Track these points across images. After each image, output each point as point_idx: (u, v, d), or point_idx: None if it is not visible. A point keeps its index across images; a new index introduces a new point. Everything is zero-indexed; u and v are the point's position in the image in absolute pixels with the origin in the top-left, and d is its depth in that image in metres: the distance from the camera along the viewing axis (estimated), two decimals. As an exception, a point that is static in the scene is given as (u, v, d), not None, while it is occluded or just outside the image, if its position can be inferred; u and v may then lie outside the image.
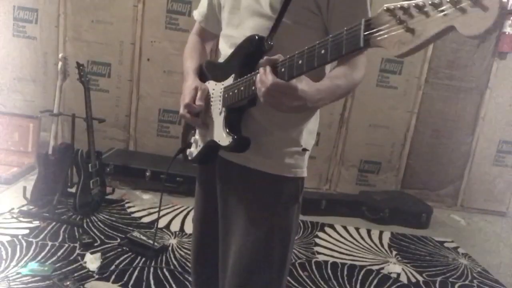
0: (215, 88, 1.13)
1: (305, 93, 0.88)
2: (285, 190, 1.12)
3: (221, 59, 1.18)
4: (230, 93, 1.05)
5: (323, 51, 0.79)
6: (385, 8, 0.65)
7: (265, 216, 1.11)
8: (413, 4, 0.61)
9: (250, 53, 1.03)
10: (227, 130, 1.05)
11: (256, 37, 1.01)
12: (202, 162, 1.23)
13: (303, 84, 0.88)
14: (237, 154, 1.08)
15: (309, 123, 1.14)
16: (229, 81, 1.07)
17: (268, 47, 1.00)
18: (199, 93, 1.13)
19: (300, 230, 3.02)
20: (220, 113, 1.09)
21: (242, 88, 1.00)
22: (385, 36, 0.65)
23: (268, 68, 0.89)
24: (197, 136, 1.21)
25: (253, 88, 0.95)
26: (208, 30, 1.32)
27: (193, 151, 1.22)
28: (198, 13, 1.31)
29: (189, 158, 1.24)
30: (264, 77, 0.89)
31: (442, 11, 0.58)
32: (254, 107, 1.04)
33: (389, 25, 0.65)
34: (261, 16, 1.06)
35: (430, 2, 0.59)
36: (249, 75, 0.98)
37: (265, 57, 0.91)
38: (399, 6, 0.63)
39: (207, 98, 1.14)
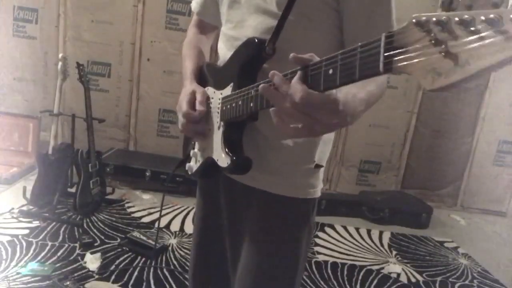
0: (214, 97, 0.98)
1: (344, 107, 0.65)
2: (293, 213, 0.99)
3: (220, 62, 1.06)
4: (228, 106, 0.89)
5: (330, 71, 0.60)
6: (414, 20, 0.45)
7: (271, 242, 0.99)
8: (456, 19, 0.41)
9: (249, 59, 0.89)
10: (226, 150, 0.91)
11: (256, 40, 0.87)
12: (203, 177, 1.12)
13: (341, 93, 0.65)
14: None
15: (328, 134, 0.96)
16: (227, 91, 0.92)
17: (270, 52, 0.85)
18: (198, 97, 0.97)
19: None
20: (219, 127, 0.94)
21: (240, 103, 0.84)
22: (415, 60, 0.46)
23: (298, 75, 0.64)
24: (196, 150, 1.08)
25: (251, 105, 0.79)
26: (206, 22, 1.18)
27: (193, 165, 1.10)
28: (196, 3, 1.17)
29: (189, 173, 1.11)
30: (291, 88, 0.64)
31: (504, 32, 0.38)
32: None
33: (420, 46, 0.45)
34: (265, 13, 0.91)
35: (483, 18, 0.39)
36: (247, 87, 0.82)
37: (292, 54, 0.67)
38: (434, 19, 0.43)
39: (207, 103, 1.00)
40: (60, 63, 2.82)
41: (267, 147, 0.96)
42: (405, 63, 0.47)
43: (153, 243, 2.42)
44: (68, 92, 3.37)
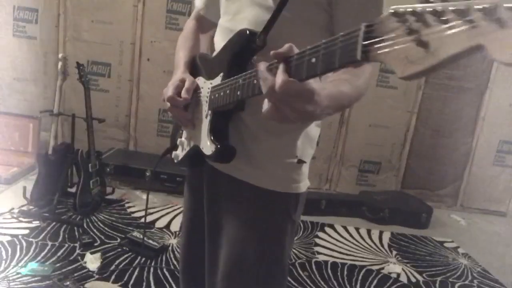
0: (204, 87, 1.01)
1: (319, 97, 0.67)
2: (275, 206, 0.99)
3: (215, 53, 1.06)
4: (216, 95, 0.92)
5: (313, 60, 0.62)
6: (392, 11, 0.48)
7: (252, 235, 0.99)
8: (430, 9, 0.44)
9: (240, 50, 0.91)
10: (212, 138, 0.94)
11: (247, 32, 0.88)
12: (189, 166, 1.15)
13: (315, 85, 0.67)
14: None
15: (308, 129, 0.99)
16: (217, 80, 0.95)
17: (260, 44, 0.86)
18: (186, 84, 0.99)
19: (300, 230, 3.02)
20: (206, 116, 0.97)
21: (228, 92, 0.87)
22: (389, 49, 0.49)
23: (281, 66, 0.67)
24: (183, 138, 1.11)
25: (238, 93, 0.82)
26: (207, 18, 1.18)
27: (179, 154, 1.12)
28: (200, 1, 1.19)
29: (175, 161, 1.14)
30: (272, 77, 0.68)
31: (470, 22, 0.41)
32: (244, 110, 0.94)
33: (395, 35, 0.48)
34: (261, 7, 0.93)
35: (452, 8, 0.42)
36: (235, 77, 0.84)
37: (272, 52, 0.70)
38: (410, 10, 0.46)
39: (195, 92, 1.01)
40: (60, 63, 2.82)
41: (252, 139, 0.97)
42: (381, 51, 0.50)
43: (154, 243, 2.42)
44: (68, 92, 3.37)
